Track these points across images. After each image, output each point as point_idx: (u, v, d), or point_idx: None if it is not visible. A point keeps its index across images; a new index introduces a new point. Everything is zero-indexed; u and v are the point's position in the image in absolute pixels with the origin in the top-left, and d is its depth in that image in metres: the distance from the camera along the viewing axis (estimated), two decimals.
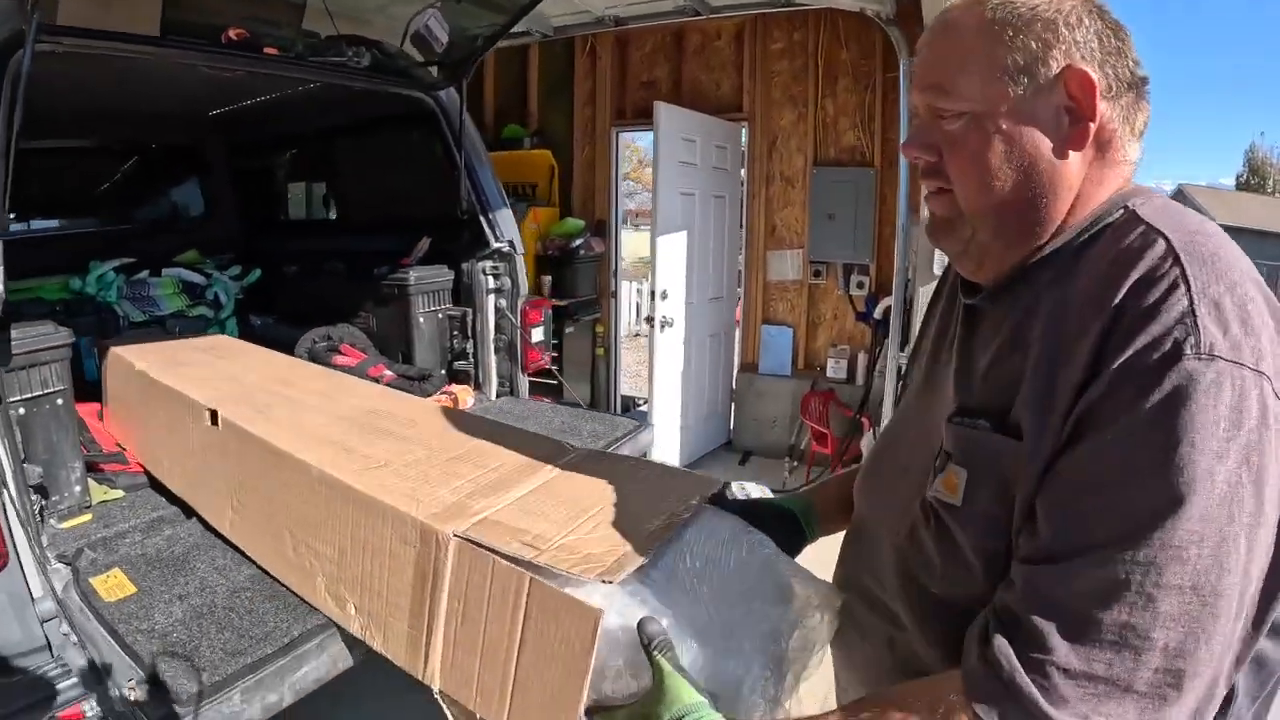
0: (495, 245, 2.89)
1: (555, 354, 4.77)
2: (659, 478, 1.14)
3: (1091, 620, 0.62)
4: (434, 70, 2.80)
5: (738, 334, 5.33)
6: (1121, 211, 0.74)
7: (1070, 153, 0.75)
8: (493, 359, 2.94)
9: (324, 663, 1.38)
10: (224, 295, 3.12)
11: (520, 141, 5.41)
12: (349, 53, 2.55)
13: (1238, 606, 0.62)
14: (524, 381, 2.98)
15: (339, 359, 2.64)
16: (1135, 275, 0.66)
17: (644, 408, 5.21)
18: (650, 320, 4.36)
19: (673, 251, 4.46)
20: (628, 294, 7.56)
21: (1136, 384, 0.62)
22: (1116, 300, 0.66)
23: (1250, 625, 0.66)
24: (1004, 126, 0.76)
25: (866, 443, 4.36)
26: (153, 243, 3.11)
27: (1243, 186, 38.65)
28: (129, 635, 1.35)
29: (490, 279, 2.93)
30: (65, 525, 1.67)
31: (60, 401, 1.67)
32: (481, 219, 2.85)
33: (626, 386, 6.22)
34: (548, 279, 5.01)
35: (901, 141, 0.72)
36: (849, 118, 4.71)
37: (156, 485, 1.94)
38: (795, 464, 4.73)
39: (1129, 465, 0.62)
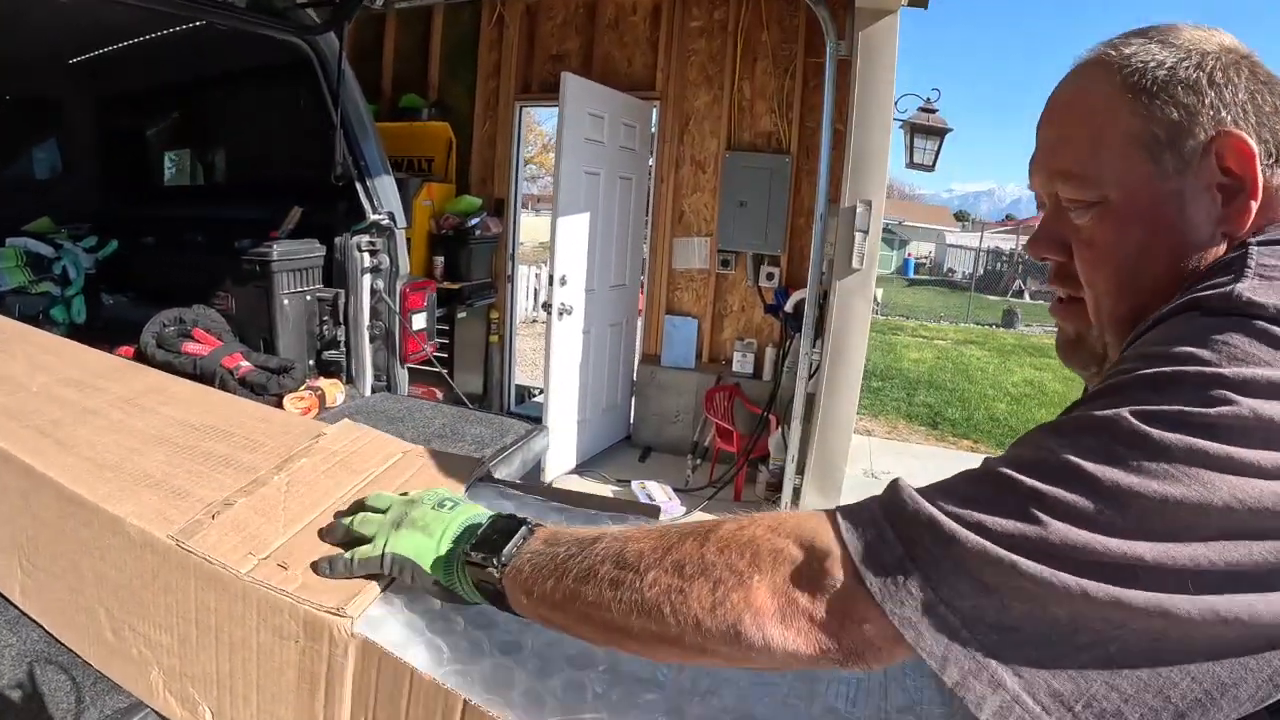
0: (373, 217, 2.58)
1: (446, 340, 4.46)
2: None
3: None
4: (312, 12, 2.44)
5: (640, 324, 5.21)
6: None
7: (1226, 239, 0.62)
8: (367, 349, 2.62)
9: None
10: (73, 269, 2.73)
11: (418, 112, 5.08)
12: None
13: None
14: (403, 375, 2.69)
15: (190, 346, 2.28)
16: None
17: (539, 398, 4.99)
18: (548, 307, 4.10)
19: (574, 234, 4.23)
20: (525, 279, 7.31)
21: None
22: None
23: None
24: (1145, 214, 0.63)
25: (774, 442, 4.25)
26: None
27: None
28: None
29: (366, 256, 2.63)
30: None
31: None
32: (358, 186, 2.54)
33: (522, 376, 5.98)
34: (440, 260, 4.72)
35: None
36: (766, 102, 4.62)
37: None
38: (698, 461, 4.61)
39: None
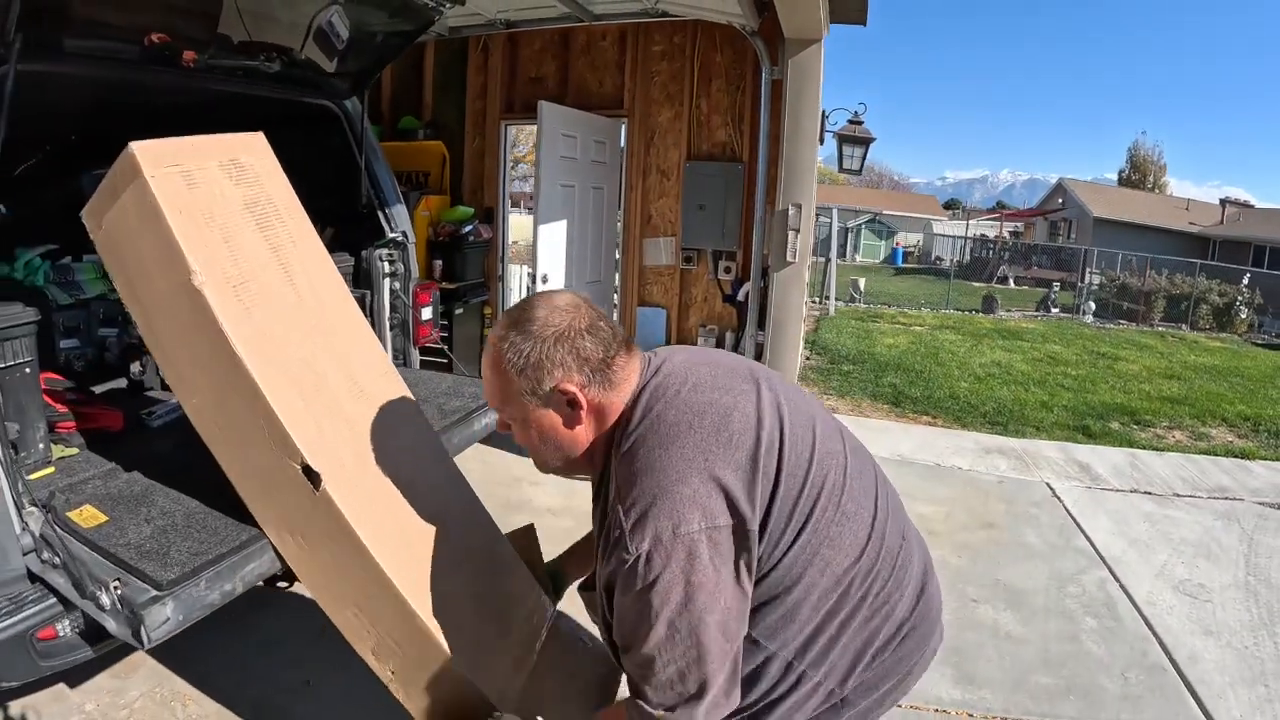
0: (391, 235, 3.31)
1: (445, 334, 5.12)
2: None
3: (649, 676, 1.15)
4: (339, 80, 3.13)
5: (615, 315, 5.81)
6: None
7: (576, 426, 1.27)
8: (388, 334, 3.37)
9: (265, 561, 1.81)
10: None
11: (415, 132, 5.72)
12: (260, 58, 2.85)
13: (719, 642, 1.13)
14: (415, 354, 3.41)
15: None
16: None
17: None
18: None
19: (554, 238, 4.89)
20: (517, 278, 7.92)
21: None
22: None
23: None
24: (533, 421, 1.27)
25: None
26: (70, 229, 3.29)
27: (1125, 182, 41.95)
28: (110, 547, 1.72)
29: (386, 265, 3.35)
30: (33, 477, 1.99)
31: (28, 370, 1.98)
32: (379, 213, 3.26)
33: None
34: (438, 263, 5.36)
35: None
36: (721, 116, 5.24)
37: (103, 444, 2.26)
38: None
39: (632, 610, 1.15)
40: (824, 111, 4.44)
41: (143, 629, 1.60)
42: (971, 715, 2.77)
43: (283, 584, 2.71)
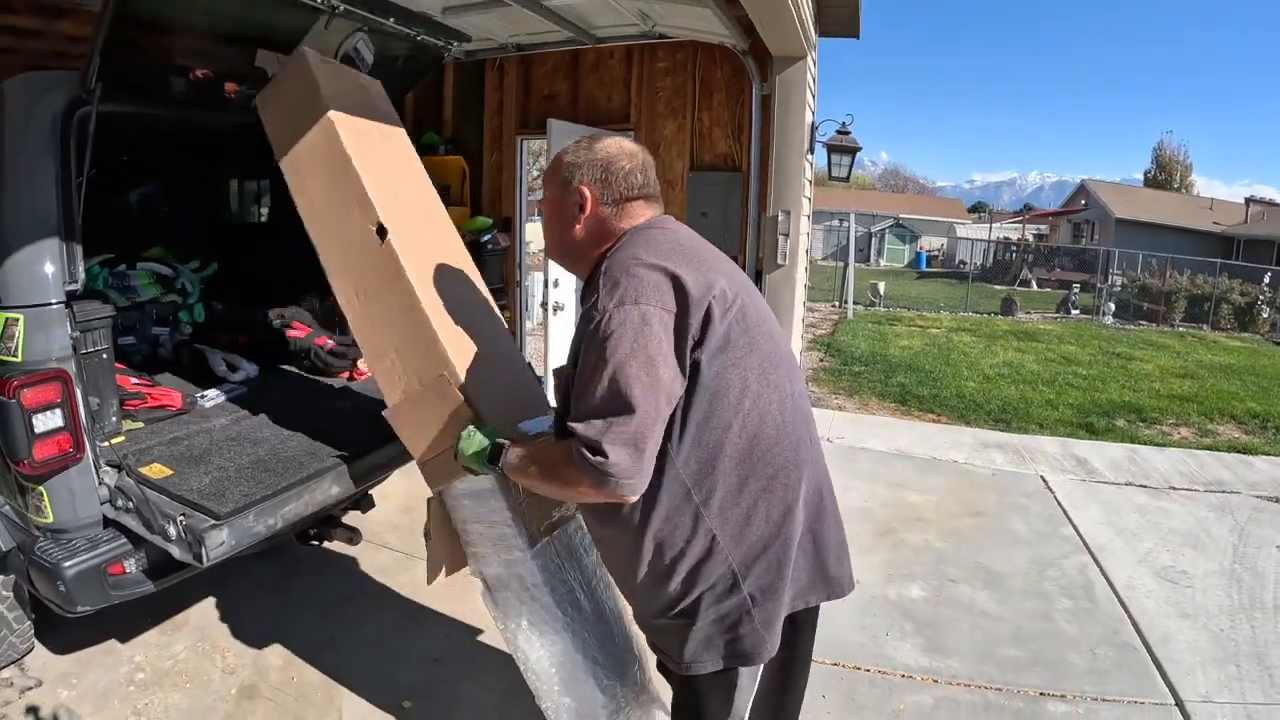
0: None
1: None
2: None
3: (588, 406, 1.43)
4: None
5: None
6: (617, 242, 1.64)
7: (576, 225, 1.68)
8: None
9: (300, 504, 2.26)
10: (190, 285, 3.72)
11: (436, 148, 6.08)
12: None
13: (650, 397, 1.40)
14: None
15: (292, 331, 3.37)
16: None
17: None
18: (544, 305, 5.10)
19: None
20: (536, 283, 8.14)
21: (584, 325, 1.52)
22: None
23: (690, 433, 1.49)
24: (551, 201, 1.72)
25: None
26: (125, 240, 3.68)
27: (1151, 182, 41.51)
28: (176, 491, 2.15)
29: None
30: (107, 444, 2.35)
31: (105, 355, 2.36)
32: None
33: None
34: None
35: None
36: (722, 128, 5.51)
37: (164, 420, 2.71)
38: None
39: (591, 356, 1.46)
40: (814, 123, 4.72)
41: (204, 549, 1.98)
42: (936, 681, 2.94)
43: (314, 542, 3.07)
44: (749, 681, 1.66)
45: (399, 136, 2.71)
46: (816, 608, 1.76)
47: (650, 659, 2.08)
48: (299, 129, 2.32)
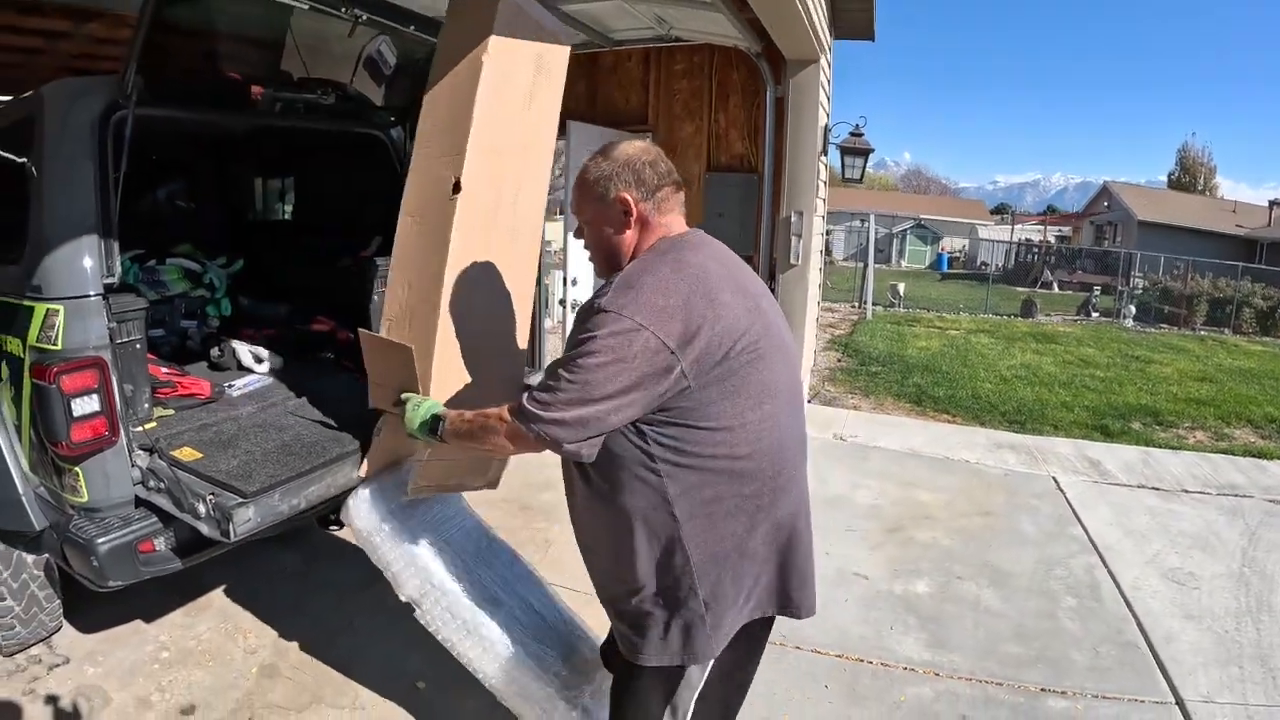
0: None
1: None
2: None
3: (550, 381, 1.54)
4: (385, 113, 3.59)
5: None
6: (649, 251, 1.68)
7: (625, 231, 1.70)
8: None
9: (322, 486, 2.38)
10: (217, 280, 3.85)
11: None
12: (318, 91, 3.31)
13: (604, 403, 1.49)
14: None
15: (315, 326, 3.48)
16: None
17: None
18: (563, 303, 5.20)
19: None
20: (557, 280, 8.21)
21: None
22: None
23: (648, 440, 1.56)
24: (595, 221, 1.74)
25: None
26: (155, 236, 3.82)
27: (1175, 185, 41.00)
28: (205, 472, 2.28)
29: None
30: (140, 429, 2.48)
31: (138, 345, 2.48)
32: None
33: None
34: None
35: None
36: (738, 130, 5.58)
37: (194, 408, 2.87)
38: None
39: (574, 341, 1.56)
40: (828, 125, 4.77)
41: (231, 526, 2.10)
42: (938, 674, 2.99)
43: (334, 527, 3.19)
44: (696, 678, 1.76)
45: (548, 104, 2.63)
46: (771, 620, 1.85)
47: (599, 640, 2.27)
48: (454, 59, 2.30)
